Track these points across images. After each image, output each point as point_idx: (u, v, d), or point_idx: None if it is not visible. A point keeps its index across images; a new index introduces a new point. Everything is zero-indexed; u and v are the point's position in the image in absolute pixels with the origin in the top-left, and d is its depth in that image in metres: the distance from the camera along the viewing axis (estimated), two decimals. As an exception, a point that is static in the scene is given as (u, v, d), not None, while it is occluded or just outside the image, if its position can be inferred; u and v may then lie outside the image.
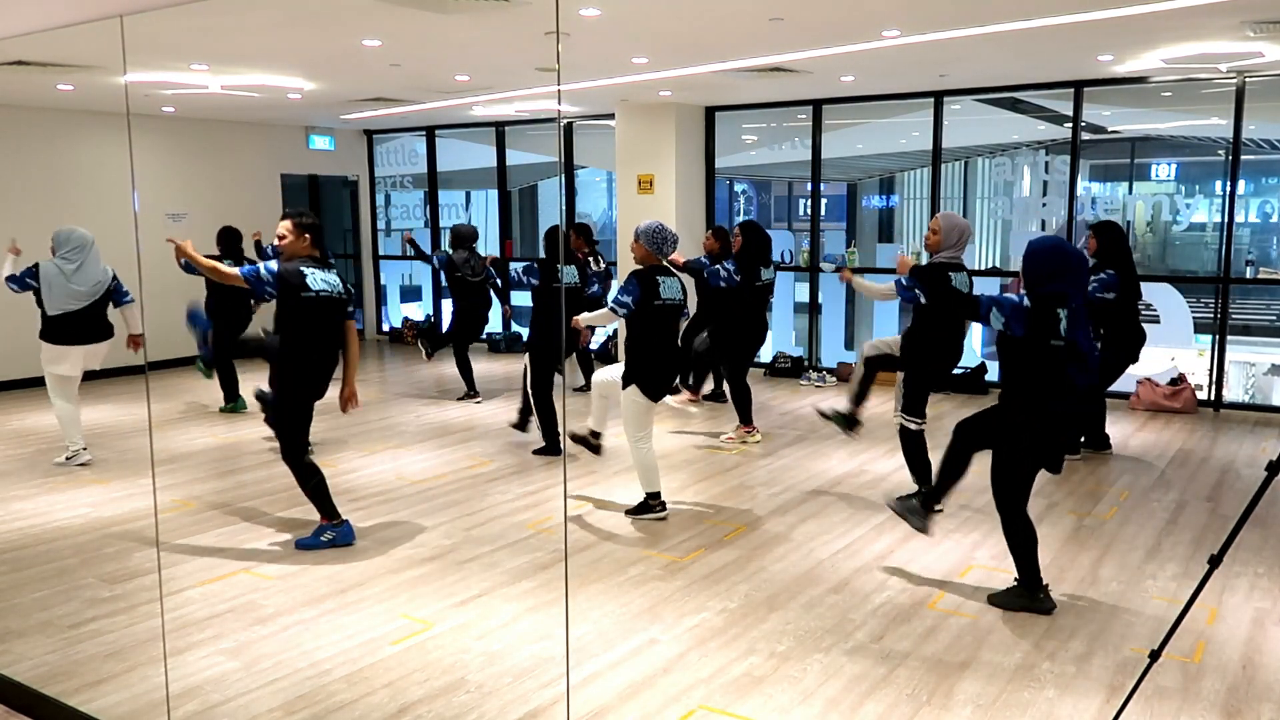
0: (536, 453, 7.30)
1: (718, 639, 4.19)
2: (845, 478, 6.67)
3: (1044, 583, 4.49)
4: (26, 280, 6.87)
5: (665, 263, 5.80)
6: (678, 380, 7.43)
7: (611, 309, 5.73)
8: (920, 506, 4.97)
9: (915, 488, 5.76)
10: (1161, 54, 7.36)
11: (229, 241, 8.63)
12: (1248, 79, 8.35)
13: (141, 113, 10.17)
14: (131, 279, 7.21)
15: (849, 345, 10.96)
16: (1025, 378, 4.32)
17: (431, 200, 13.29)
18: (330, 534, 5.35)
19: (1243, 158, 8.56)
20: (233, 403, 8.75)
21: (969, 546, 5.32)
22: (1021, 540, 4.42)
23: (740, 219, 14.12)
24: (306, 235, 5.23)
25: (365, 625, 4.35)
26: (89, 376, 9.95)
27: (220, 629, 4.32)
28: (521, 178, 13.18)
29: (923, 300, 5.40)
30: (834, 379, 10.25)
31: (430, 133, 13.04)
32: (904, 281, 5.41)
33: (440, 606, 4.55)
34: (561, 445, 7.23)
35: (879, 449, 7.40)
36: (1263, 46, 6.95)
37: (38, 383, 9.74)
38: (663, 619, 4.40)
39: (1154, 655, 3.17)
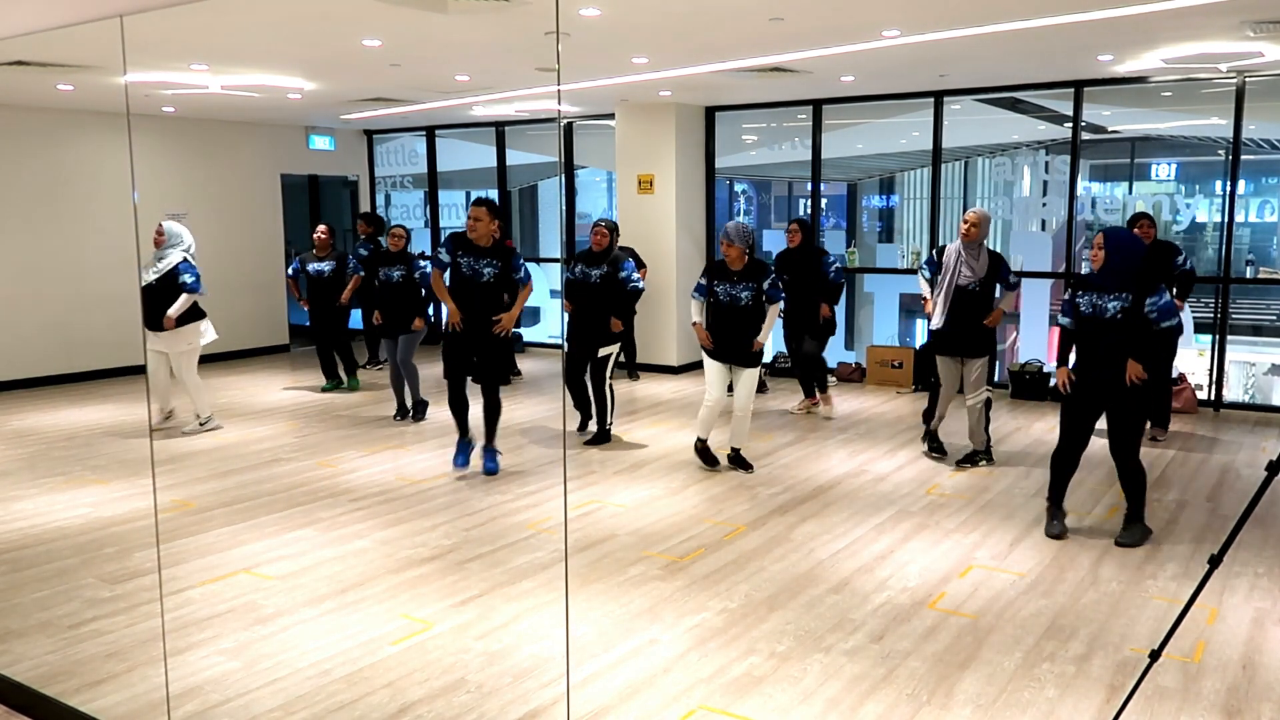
0: (588, 444, 7.56)
1: (718, 639, 4.19)
2: (845, 478, 6.67)
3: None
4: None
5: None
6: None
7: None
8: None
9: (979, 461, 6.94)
10: (1161, 54, 7.36)
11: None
12: (1248, 79, 8.35)
13: (141, 113, 10.16)
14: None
15: (849, 345, 10.95)
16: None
17: (431, 200, 13.29)
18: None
19: (1243, 158, 8.56)
20: (333, 381, 9.70)
21: (969, 546, 5.33)
22: (1143, 479, 5.38)
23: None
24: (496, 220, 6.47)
25: (365, 625, 4.35)
26: (94, 376, 9.96)
27: (220, 629, 4.32)
28: (521, 178, 13.17)
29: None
30: (834, 379, 10.24)
31: (430, 133, 13.03)
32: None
33: (440, 606, 4.55)
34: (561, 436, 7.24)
35: (879, 449, 7.41)
36: (1263, 46, 6.95)
37: (37, 383, 9.77)
38: (663, 619, 4.40)
39: (1154, 655, 3.17)
